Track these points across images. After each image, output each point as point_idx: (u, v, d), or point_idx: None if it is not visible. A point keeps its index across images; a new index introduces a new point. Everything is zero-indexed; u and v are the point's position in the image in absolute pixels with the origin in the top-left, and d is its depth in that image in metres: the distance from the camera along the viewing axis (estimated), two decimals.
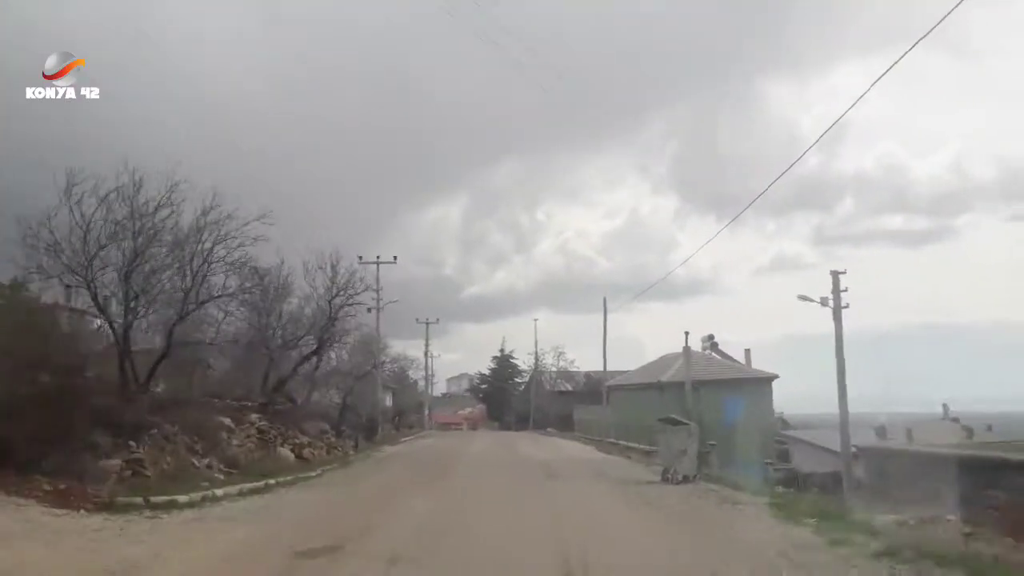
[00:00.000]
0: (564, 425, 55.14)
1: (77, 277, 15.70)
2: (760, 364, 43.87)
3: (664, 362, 40.42)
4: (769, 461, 37.03)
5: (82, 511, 10.78)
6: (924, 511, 10.34)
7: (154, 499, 12.00)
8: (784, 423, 47.17)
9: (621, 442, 36.23)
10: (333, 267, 27.25)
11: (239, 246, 17.83)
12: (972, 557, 7.46)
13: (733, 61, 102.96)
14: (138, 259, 16.00)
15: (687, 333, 37.46)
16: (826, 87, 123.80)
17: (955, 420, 46.50)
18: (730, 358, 46.11)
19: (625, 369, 47.80)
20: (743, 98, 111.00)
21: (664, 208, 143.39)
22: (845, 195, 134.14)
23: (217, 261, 17.76)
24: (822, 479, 30.96)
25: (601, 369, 56.81)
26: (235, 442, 18.24)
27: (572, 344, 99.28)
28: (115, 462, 13.16)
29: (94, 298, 15.93)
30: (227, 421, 18.61)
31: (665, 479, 16.72)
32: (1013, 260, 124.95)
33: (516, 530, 10.68)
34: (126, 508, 11.36)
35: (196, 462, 15.49)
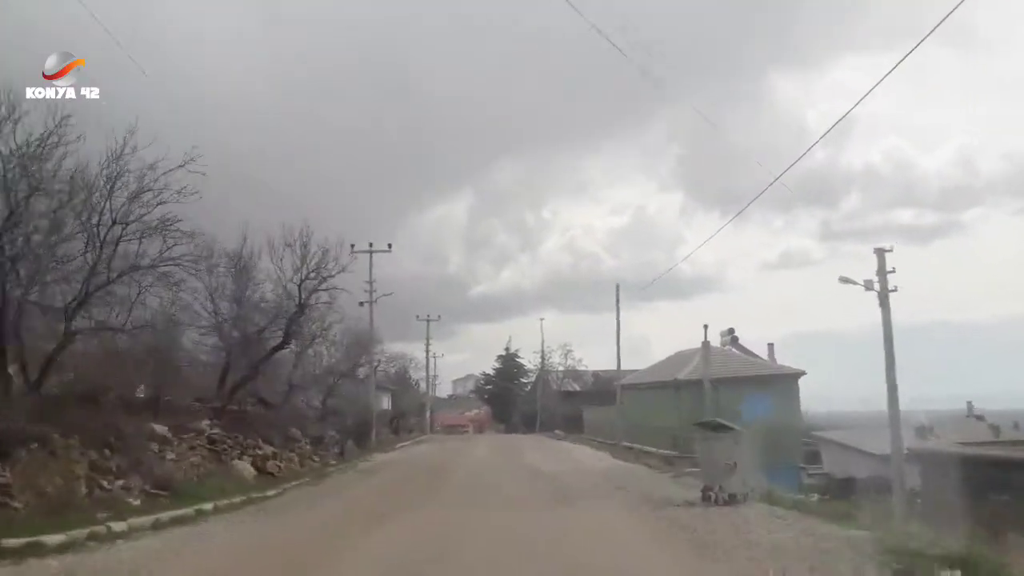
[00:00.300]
0: (572, 426, 53.25)
1: None
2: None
3: (680, 359, 37.46)
4: (802, 466, 33.92)
5: None
6: None
7: (7, 542, 8.57)
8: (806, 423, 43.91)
9: (635, 446, 33.60)
10: (304, 245, 23.04)
11: (159, 203, 14.22)
12: None
13: (741, 57, 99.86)
14: (14, 214, 12.49)
15: (706, 326, 34.12)
16: (833, 82, 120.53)
17: (980, 418, 43.30)
18: (751, 353, 42.65)
19: (633, 368, 44.46)
20: (750, 93, 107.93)
21: (671, 205, 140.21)
22: (852, 190, 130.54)
23: (134, 221, 14.20)
24: (862, 485, 27.97)
25: (610, 368, 54.45)
26: (171, 456, 14.81)
27: (579, 344, 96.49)
28: None
29: None
30: (161, 429, 15.14)
31: (706, 499, 13.16)
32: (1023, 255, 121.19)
33: None
34: None
35: (105, 484, 12.06)
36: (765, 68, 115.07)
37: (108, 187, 14.07)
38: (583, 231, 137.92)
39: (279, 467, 19.07)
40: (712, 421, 13.91)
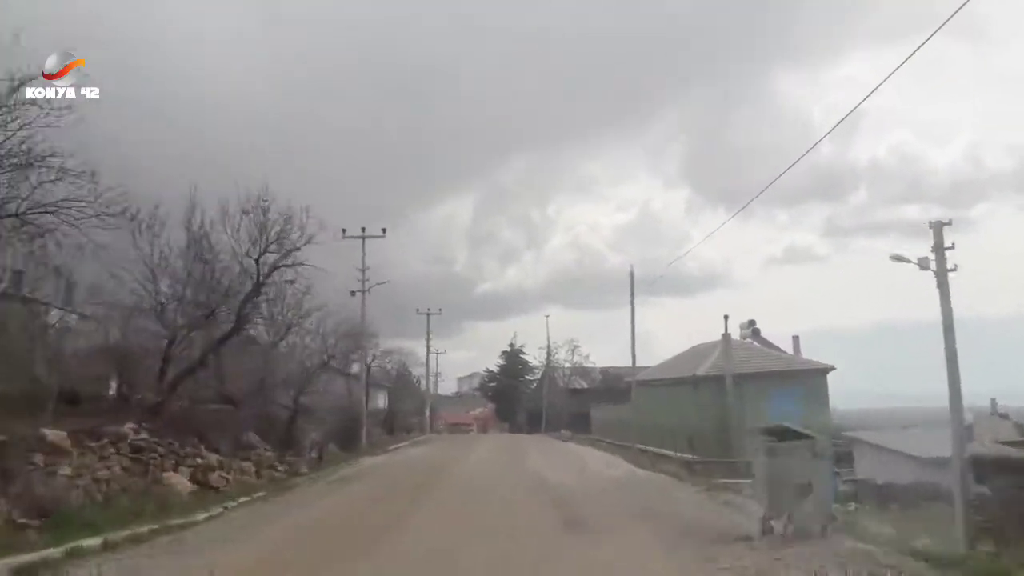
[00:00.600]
0: (579, 426, 50.64)
1: None
2: None
3: (697, 353, 34.32)
4: (836, 471, 30.59)
5: None
6: None
7: None
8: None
9: (651, 448, 30.34)
10: (264, 211, 19.40)
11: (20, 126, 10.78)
12: None
13: (745, 53, 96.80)
14: None
15: (727, 317, 31.02)
16: (840, 77, 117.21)
17: (1004, 416, 40.10)
18: (774, 347, 39.24)
19: (642, 366, 41.16)
20: (756, 90, 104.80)
21: (676, 201, 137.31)
22: (860, 186, 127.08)
23: None
24: (902, 492, 24.79)
25: (618, 364, 51.37)
26: (64, 471, 11.41)
27: (586, 341, 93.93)
28: None
29: None
30: (53, 436, 11.74)
31: (766, 530, 9.71)
32: None
33: None
34: None
35: None
36: (772, 62, 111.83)
37: None
38: (588, 228, 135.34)
39: (226, 479, 15.72)
40: (779, 426, 10.32)
